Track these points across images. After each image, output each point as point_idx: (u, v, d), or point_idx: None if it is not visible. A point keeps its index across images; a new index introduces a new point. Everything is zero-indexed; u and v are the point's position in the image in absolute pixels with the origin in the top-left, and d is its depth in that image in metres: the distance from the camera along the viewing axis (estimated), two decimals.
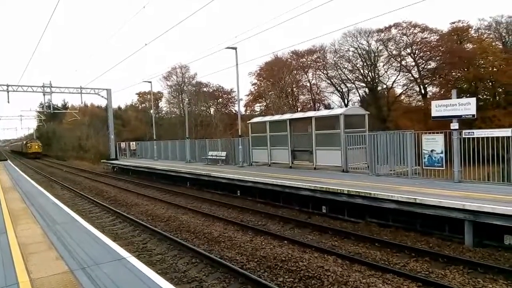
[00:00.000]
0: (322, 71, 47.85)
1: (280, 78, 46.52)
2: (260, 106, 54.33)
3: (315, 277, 6.72)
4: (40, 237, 7.04)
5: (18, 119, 67.34)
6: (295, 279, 6.76)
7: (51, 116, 68.23)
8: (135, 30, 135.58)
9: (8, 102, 30.60)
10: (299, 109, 46.33)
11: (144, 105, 67.13)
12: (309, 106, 48.11)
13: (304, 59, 49.20)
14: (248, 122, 21.80)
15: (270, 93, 48.00)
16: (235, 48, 20.26)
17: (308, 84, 50.08)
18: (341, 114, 15.16)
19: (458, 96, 12.22)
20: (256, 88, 54.13)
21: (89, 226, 7.96)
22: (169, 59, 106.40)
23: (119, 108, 71.96)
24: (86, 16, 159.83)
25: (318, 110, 40.53)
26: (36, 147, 64.33)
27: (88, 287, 4.54)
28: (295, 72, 49.23)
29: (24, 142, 71.17)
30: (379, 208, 9.93)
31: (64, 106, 78.02)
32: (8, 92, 30.12)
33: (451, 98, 11.47)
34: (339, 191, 10.86)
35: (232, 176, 16.01)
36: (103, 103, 55.98)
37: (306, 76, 49.85)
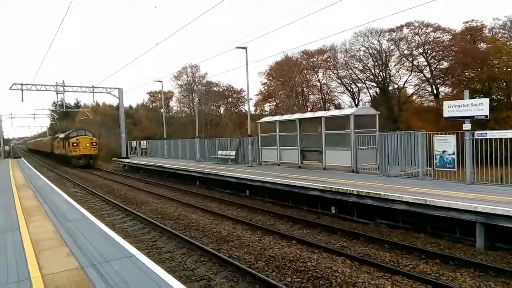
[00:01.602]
0: (332, 70, 47.65)
1: (290, 77, 46.44)
2: (270, 105, 54.35)
3: (323, 277, 6.70)
4: (52, 233, 7.16)
5: (32, 117, 62.00)
6: (303, 279, 6.75)
7: (64, 114, 67.97)
8: (147, 30, 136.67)
9: (22, 100, 31.25)
10: (309, 109, 46.19)
11: (155, 104, 67.68)
12: (319, 106, 47.95)
13: (314, 59, 49.03)
14: (257, 121, 21.82)
15: (280, 92, 47.98)
16: (245, 48, 20.30)
17: (318, 84, 49.92)
18: (351, 114, 15.07)
19: (471, 97, 12.05)
20: (266, 87, 54.21)
21: (100, 223, 8.07)
22: (180, 59, 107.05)
23: (130, 107, 72.67)
24: (98, 16, 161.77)
25: (328, 110, 40.36)
26: (88, 145, 36.36)
27: (98, 283, 4.60)
28: (305, 71, 49.11)
29: (61, 136, 41.66)
30: (389, 209, 9.84)
31: (77, 105, 78.96)
32: (22, 90, 30.67)
33: (463, 99, 11.31)
34: (348, 191, 10.80)
35: (241, 175, 16.04)
36: (114, 102, 56.57)
37: (316, 76, 49.71)
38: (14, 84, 30.41)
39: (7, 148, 56.30)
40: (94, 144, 37.01)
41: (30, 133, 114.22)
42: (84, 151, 35.77)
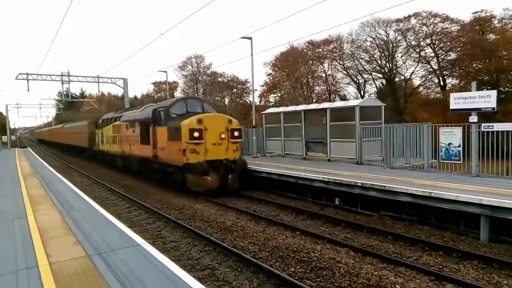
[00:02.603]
0: (338, 61, 47.34)
1: (296, 68, 46.18)
2: (274, 96, 54.28)
3: (326, 268, 6.75)
4: (59, 222, 7.24)
5: (38, 107, 60.20)
6: (307, 269, 6.79)
7: (69, 104, 68.28)
8: (152, 20, 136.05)
9: (28, 90, 31.26)
10: (314, 100, 46.01)
11: (160, 94, 67.81)
12: (324, 97, 47.73)
13: (320, 49, 48.69)
14: (262, 112, 21.78)
15: (285, 83, 47.78)
16: (250, 38, 20.17)
17: (324, 75, 49.64)
18: (356, 105, 14.99)
19: (479, 89, 11.92)
20: (271, 78, 54.01)
21: (105, 212, 8.13)
22: (185, 49, 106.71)
23: (135, 97, 73.10)
24: (104, 6, 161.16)
25: (333, 101, 40.18)
26: (224, 136, 13.94)
27: (104, 271, 4.66)
28: (310, 62, 48.82)
29: (133, 115, 18.69)
30: (393, 201, 9.84)
31: (82, 95, 79.37)
32: (28, 80, 30.79)
33: (470, 91, 11.21)
34: (352, 183, 10.80)
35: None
36: (119, 92, 56.83)
37: (322, 67, 49.41)
38: (20, 74, 30.54)
39: (13, 137, 56.71)
40: (236, 135, 14.66)
41: (36, 123, 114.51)
42: (217, 152, 14.08)
